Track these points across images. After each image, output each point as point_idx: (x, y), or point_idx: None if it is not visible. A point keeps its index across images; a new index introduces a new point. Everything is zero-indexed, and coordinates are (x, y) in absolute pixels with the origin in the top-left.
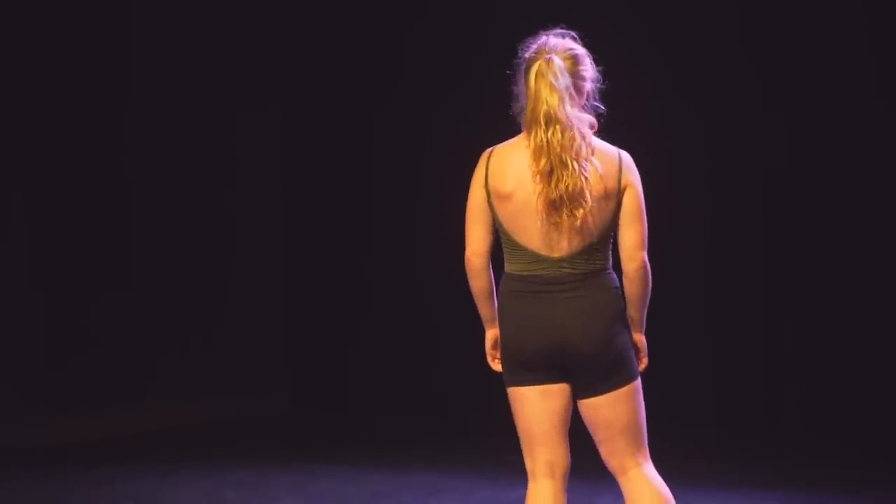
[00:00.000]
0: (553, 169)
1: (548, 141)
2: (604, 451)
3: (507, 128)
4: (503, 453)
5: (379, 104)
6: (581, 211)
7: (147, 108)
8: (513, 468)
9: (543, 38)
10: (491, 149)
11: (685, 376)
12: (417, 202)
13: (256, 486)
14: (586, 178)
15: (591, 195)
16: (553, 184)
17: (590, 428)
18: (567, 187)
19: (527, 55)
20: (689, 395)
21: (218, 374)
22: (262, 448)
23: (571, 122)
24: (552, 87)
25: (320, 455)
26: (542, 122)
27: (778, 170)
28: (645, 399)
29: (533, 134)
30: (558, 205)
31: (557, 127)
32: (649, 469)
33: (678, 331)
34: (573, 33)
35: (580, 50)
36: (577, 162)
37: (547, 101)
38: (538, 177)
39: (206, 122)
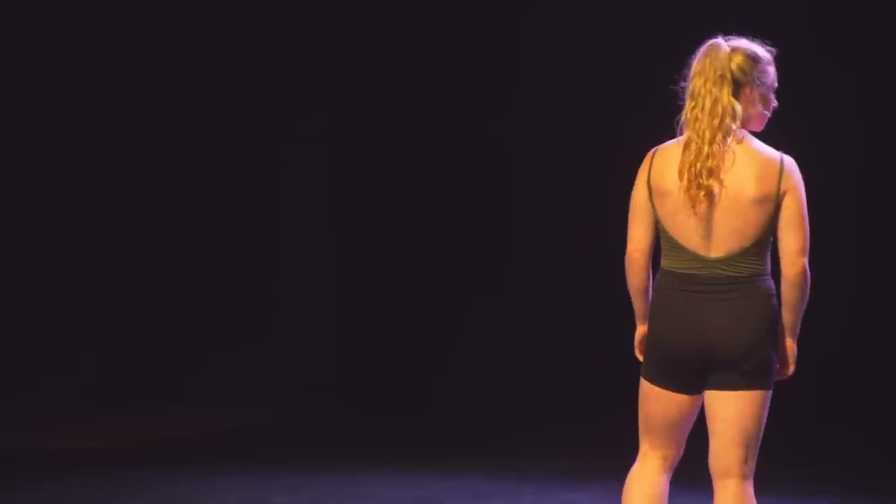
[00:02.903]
0: (699, 149)
1: (701, 112)
2: (714, 445)
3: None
4: (558, 456)
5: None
6: (710, 184)
7: (197, 107)
8: (564, 473)
9: (728, 39)
10: (656, 147)
11: None
12: (459, 203)
13: (302, 490)
14: (734, 162)
15: (743, 191)
16: (693, 160)
17: (709, 420)
18: (703, 165)
19: (700, 52)
20: None
21: (262, 379)
22: (307, 452)
23: (733, 111)
24: (716, 62)
25: (366, 459)
26: (700, 96)
27: None
28: None
29: (691, 108)
30: (691, 180)
31: (718, 105)
32: (748, 485)
33: None
34: (761, 41)
35: (762, 53)
36: (724, 139)
37: (704, 76)
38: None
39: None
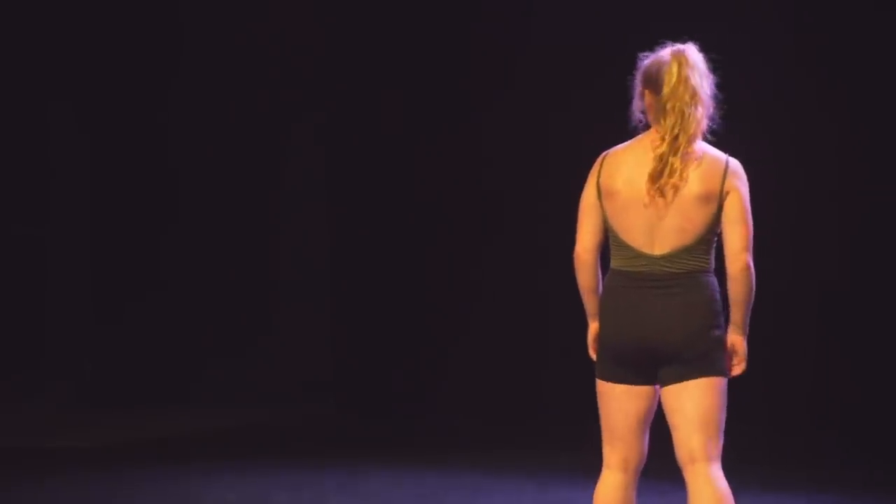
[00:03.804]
0: (672, 143)
1: (679, 116)
2: (677, 438)
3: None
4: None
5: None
6: (674, 180)
7: (197, 105)
8: (560, 470)
9: (674, 46)
10: (607, 151)
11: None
12: (464, 203)
13: (304, 488)
14: (691, 163)
15: (689, 190)
16: (664, 154)
17: (668, 416)
18: (673, 160)
19: (656, 59)
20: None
21: (263, 378)
22: (307, 451)
23: (696, 111)
24: (687, 79)
25: (367, 457)
26: (682, 102)
27: None
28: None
29: (668, 111)
30: (659, 174)
31: (687, 111)
32: (716, 469)
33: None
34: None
35: (706, 64)
36: (689, 144)
37: (680, 92)
38: (657, 151)
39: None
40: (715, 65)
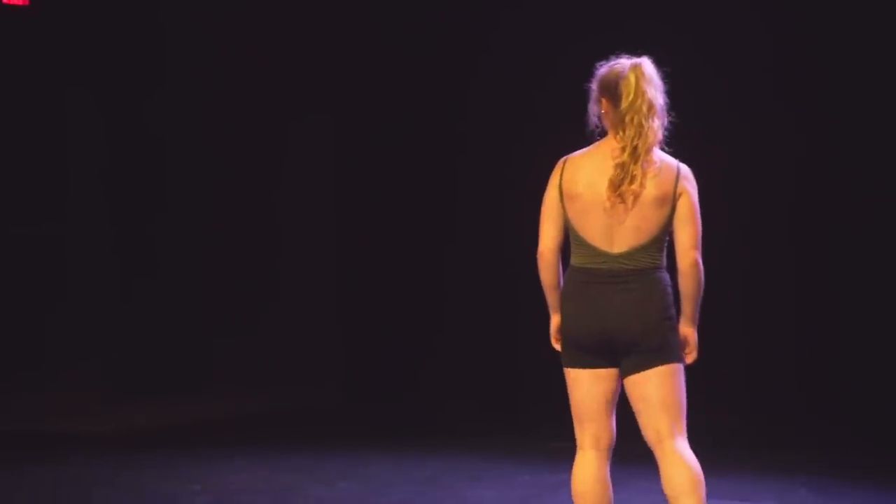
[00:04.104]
0: (632, 153)
1: (638, 128)
2: (643, 422)
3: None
4: (549, 440)
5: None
6: (635, 187)
7: (186, 105)
8: (554, 455)
9: (629, 58)
10: (566, 157)
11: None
12: (469, 197)
13: (311, 471)
14: (649, 172)
15: (651, 190)
16: (625, 163)
17: (633, 404)
18: (633, 169)
19: (614, 69)
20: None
21: (273, 366)
22: (315, 435)
23: (653, 122)
24: (644, 92)
25: (371, 443)
26: (640, 115)
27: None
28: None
29: (627, 123)
30: (620, 182)
31: (645, 124)
32: (683, 443)
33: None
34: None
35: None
36: (647, 154)
37: (643, 98)
38: (618, 160)
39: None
40: (666, 77)
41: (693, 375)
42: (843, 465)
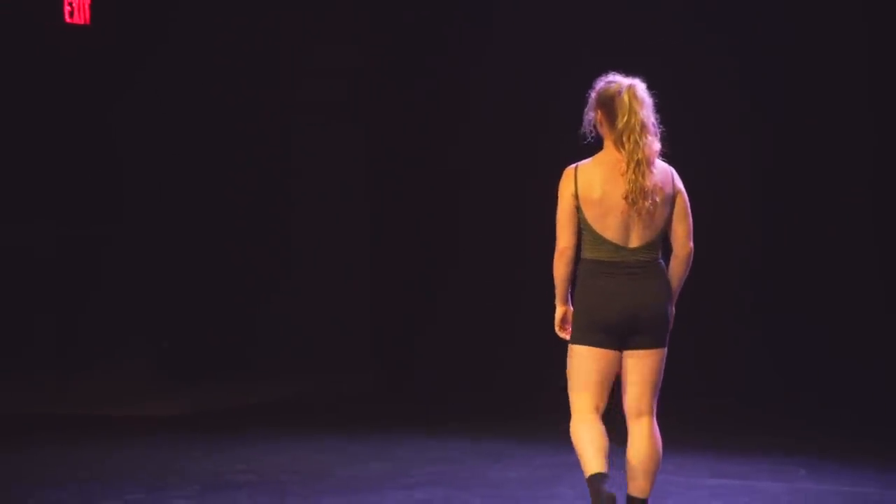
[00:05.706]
0: (636, 168)
1: (635, 145)
2: (632, 393)
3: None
4: (559, 424)
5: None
6: (648, 203)
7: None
8: (567, 438)
9: (627, 80)
10: (574, 165)
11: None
12: (495, 192)
13: (346, 451)
14: (654, 181)
15: (657, 197)
16: (634, 179)
17: (626, 375)
18: (643, 183)
19: (611, 87)
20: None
21: (310, 356)
22: (349, 420)
23: (648, 139)
24: (641, 107)
25: (401, 425)
26: (636, 133)
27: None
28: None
29: (625, 141)
30: (635, 199)
31: (640, 141)
32: (655, 422)
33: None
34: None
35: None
36: (649, 167)
37: (636, 118)
38: (626, 176)
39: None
40: (657, 97)
41: (693, 359)
42: (841, 447)
